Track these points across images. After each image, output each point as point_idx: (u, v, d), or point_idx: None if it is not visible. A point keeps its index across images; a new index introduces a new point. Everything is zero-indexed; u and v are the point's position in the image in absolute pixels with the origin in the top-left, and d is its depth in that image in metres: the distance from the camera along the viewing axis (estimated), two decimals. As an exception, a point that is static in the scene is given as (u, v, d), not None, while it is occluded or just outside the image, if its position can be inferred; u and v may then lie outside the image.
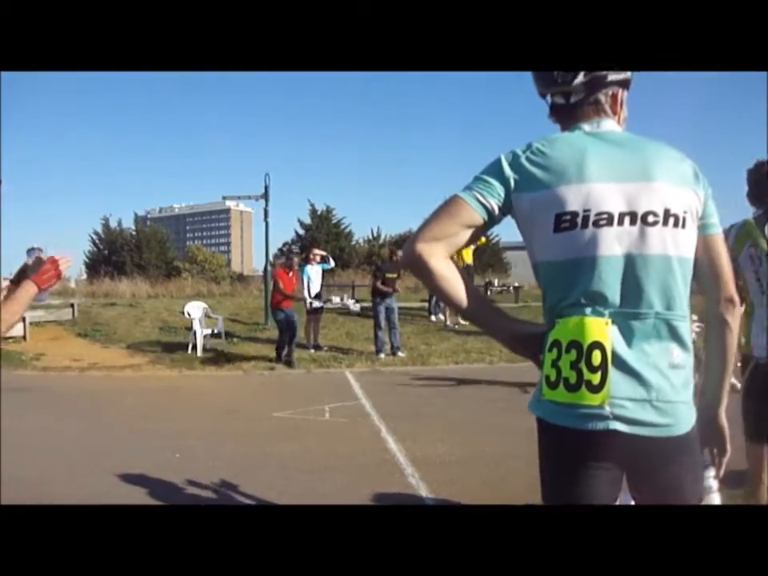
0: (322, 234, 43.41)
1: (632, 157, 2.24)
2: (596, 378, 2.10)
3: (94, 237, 46.11)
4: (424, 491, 6.35)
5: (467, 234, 2.27)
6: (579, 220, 2.15)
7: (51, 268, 3.51)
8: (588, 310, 2.15)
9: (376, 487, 6.40)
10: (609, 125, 2.35)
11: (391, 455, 7.67)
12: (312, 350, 16.17)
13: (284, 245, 45.17)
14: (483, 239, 21.19)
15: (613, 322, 2.14)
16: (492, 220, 2.27)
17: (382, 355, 15.47)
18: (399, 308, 16.45)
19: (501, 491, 6.13)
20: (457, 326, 18.99)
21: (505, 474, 6.70)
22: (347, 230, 46.29)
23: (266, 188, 21.33)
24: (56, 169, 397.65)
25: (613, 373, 2.10)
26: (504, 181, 2.24)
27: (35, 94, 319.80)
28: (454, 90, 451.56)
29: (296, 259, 16.76)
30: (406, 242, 2.32)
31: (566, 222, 2.16)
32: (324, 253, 17.65)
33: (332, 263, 17.79)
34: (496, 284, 28.69)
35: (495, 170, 2.27)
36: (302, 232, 45.49)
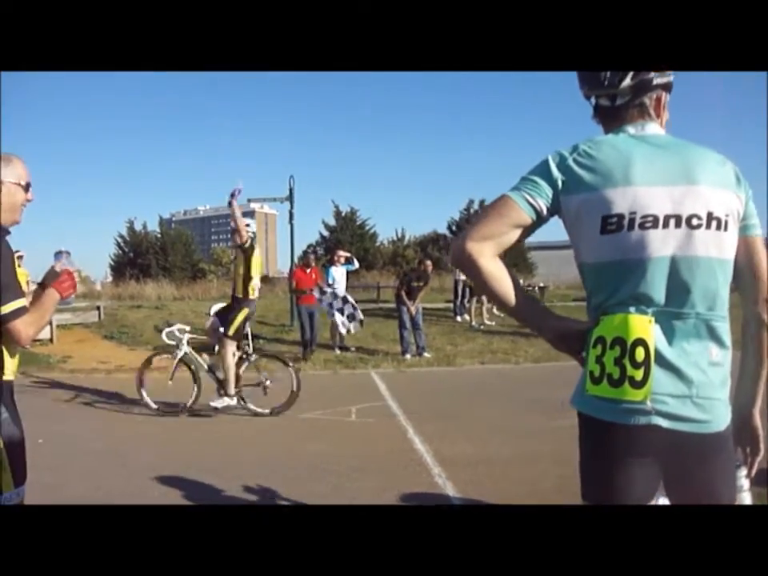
0: (346, 235, 43.47)
1: (676, 160, 2.28)
2: (639, 375, 2.14)
3: (119, 239, 46.37)
4: (451, 491, 6.34)
5: (516, 233, 2.31)
6: (625, 222, 2.20)
7: (68, 278, 3.60)
8: (632, 309, 2.19)
9: (403, 487, 6.40)
10: (653, 128, 2.39)
11: (418, 456, 7.66)
12: (338, 351, 16.24)
13: (308, 246, 45.21)
14: None
15: (656, 321, 2.17)
16: (540, 220, 2.32)
17: (408, 356, 15.47)
18: (424, 309, 16.42)
19: (529, 491, 6.12)
20: (482, 327, 19.00)
21: (532, 475, 6.68)
22: (371, 231, 46.33)
23: (291, 190, 21.38)
24: (81, 172, 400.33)
25: (655, 369, 2.14)
26: (552, 182, 2.29)
27: (59, 96, 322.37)
28: (480, 93, 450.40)
29: (312, 256, 17.08)
30: (454, 240, 2.37)
31: (613, 224, 2.21)
32: (348, 254, 17.68)
33: (356, 264, 17.81)
34: (521, 284, 28.62)
35: (543, 171, 2.32)
36: (326, 233, 45.57)
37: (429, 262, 17.37)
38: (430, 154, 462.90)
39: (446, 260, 22.00)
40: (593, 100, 2.48)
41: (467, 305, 20.20)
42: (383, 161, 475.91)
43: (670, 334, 2.18)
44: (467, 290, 20.09)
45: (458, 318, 20.50)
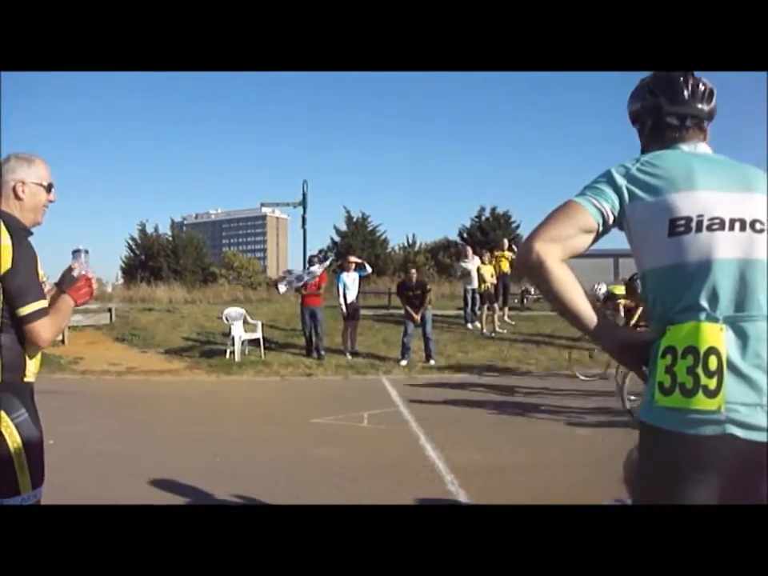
0: (357, 240, 43.51)
1: (732, 170, 2.36)
2: (712, 383, 2.12)
3: (131, 242, 46.50)
4: (463, 498, 6.34)
5: (583, 238, 2.35)
6: (693, 224, 2.23)
7: (85, 285, 3.62)
8: (702, 316, 2.18)
9: (415, 494, 6.39)
10: (704, 147, 2.49)
11: (430, 462, 7.66)
12: (349, 357, 16.27)
13: (320, 251, 45.32)
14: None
15: (726, 327, 2.16)
16: (605, 227, 2.36)
17: (404, 362, 15.53)
18: (435, 316, 16.39)
19: (541, 499, 6.11)
20: (494, 334, 18.96)
21: (544, 482, 6.69)
22: (383, 237, 46.40)
23: (304, 195, 21.48)
24: (92, 174, 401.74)
25: (727, 377, 2.11)
26: (617, 189, 2.33)
27: (69, 98, 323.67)
28: (493, 99, 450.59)
29: (315, 260, 17.28)
30: (522, 243, 2.38)
31: (681, 226, 2.24)
32: (359, 260, 17.68)
33: (369, 269, 17.80)
34: (533, 292, 28.58)
35: (608, 179, 2.37)
36: (337, 239, 45.64)
37: (413, 270, 17.43)
38: (441, 160, 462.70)
39: (457, 268, 21.98)
40: (664, 117, 2.52)
41: (478, 312, 20.18)
42: (395, 166, 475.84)
43: (740, 340, 2.15)
44: (478, 297, 20.08)
45: (469, 326, 20.45)
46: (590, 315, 2.38)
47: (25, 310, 3.30)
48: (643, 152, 2.55)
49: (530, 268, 2.31)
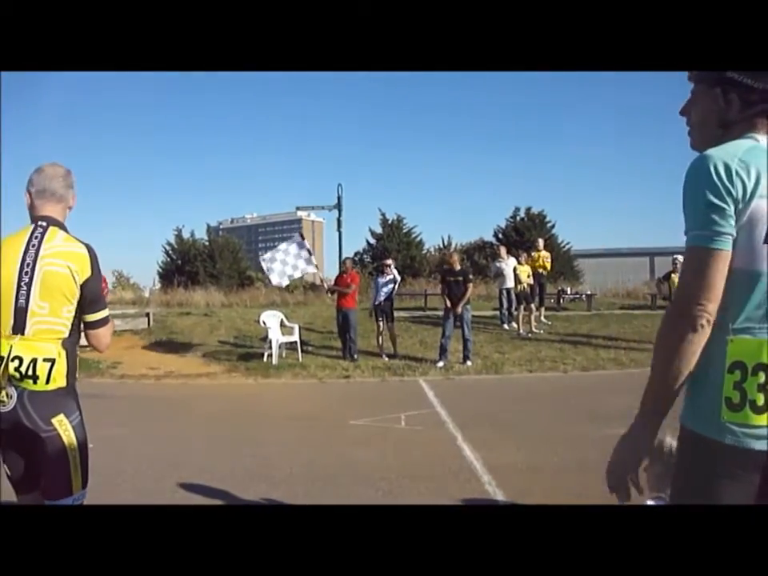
0: (393, 243, 43.38)
1: None
2: None
3: (167, 247, 46.68)
4: (501, 498, 6.37)
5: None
6: None
7: (104, 287, 3.89)
8: None
9: (453, 495, 6.43)
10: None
11: (468, 463, 7.69)
12: (386, 358, 16.29)
13: (356, 254, 45.32)
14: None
15: None
16: None
17: (441, 363, 15.40)
18: (472, 316, 16.34)
19: (578, 500, 6.10)
20: (530, 335, 18.92)
21: (581, 483, 6.65)
22: (418, 239, 46.25)
23: (339, 198, 21.57)
24: (128, 180, 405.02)
25: None
26: (733, 198, 2.16)
27: (108, 106, 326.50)
28: (530, 95, 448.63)
29: (349, 261, 17.78)
30: (681, 306, 2.22)
31: None
32: (390, 263, 17.53)
33: (398, 277, 17.59)
34: (569, 292, 28.50)
35: (720, 190, 2.16)
36: (373, 241, 45.55)
37: (453, 254, 17.47)
38: (476, 160, 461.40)
39: (492, 268, 21.96)
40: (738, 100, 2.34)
41: (515, 313, 20.14)
42: (430, 167, 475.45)
43: None
44: (514, 297, 20.05)
45: (505, 326, 20.41)
46: (669, 401, 2.27)
47: (96, 317, 3.60)
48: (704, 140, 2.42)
49: (690, 335, 2.16)
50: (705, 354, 2.19)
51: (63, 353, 3.44)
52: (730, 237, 2.15)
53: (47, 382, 3.40)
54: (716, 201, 2.15)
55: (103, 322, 3.62)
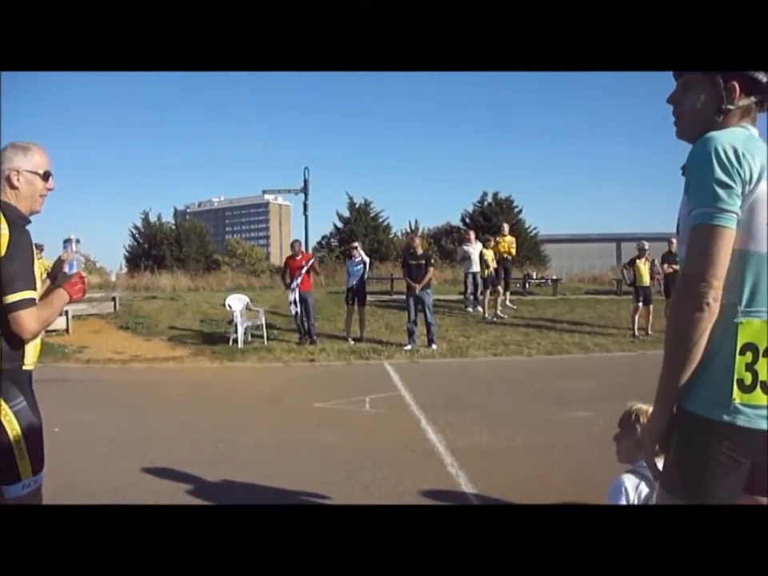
0: (360, 227, 43.28)
1: None
2: None
3: (134, 231, 46.26)
4: (463, 481, 6.41)
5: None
6: None
7: (79, 281, 3.68)
8: None
9: (416, 477, 6.49)
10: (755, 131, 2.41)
11: (431, 445, 7.75)
12: (351, 342, 16.35)
13: (323, 238, 45.26)
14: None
15: None
16: None
17: (409, 347, 15.55)
18: (436, 300, 16.40)
19: (539, 482, 6.20)
20: (496, 319, 19.01)
21: (544, 465, 6.76)
22: (385, 223, 46.16)
23: (306, 182, 21.48)
24: (95, 163, 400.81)
25: None
26: (741, 179, 2.20)
27: (71, 84, 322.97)
28: (494, 87, 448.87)
29: (297, 245, 17.37)
30: (687, 284, 2.24)
31: None
32: (357, 245, 17.45)
33: (366, 261, 17.45)
34: (534, 276, 28.63)
35: (729, 169, 2.20)
36: (340, 225, 45.44)
37: (416, 238, 17.48)
38: (444, 145, 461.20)
39: (458, 252, 21.96)
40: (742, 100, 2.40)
41: (480, 297, 20.22)
42: (397, 153, 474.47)
43: None
44: (480, 281, 20.12)
45: (470, 310, 20.51)
46: (682, 379, 2.27)
47: (12, 298, 3.29)
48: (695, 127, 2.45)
49: (701, 316, 2.18)
50: (712, 338, 2.22)
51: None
52: (735, 216, 2.18)
53: None
54: (725, 178, 2.18)
55: (24, 304, 3.31)
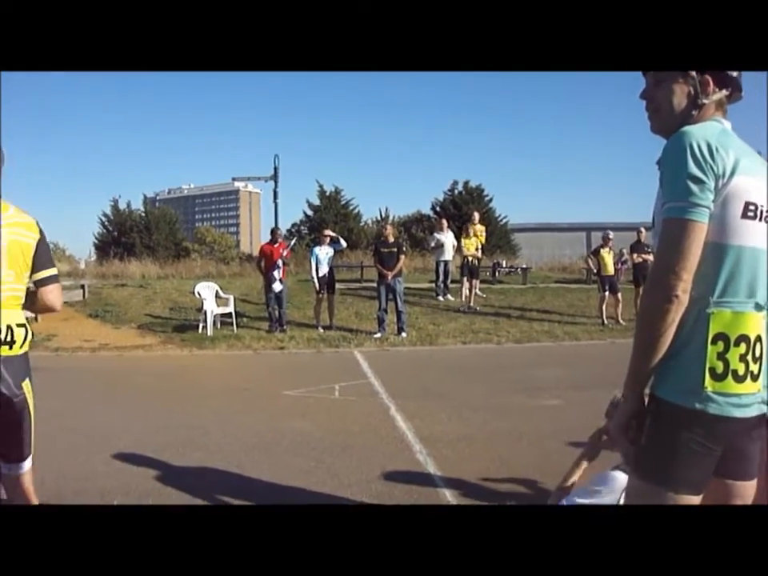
0: (330, 214, 43.17)
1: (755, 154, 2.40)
2: (756, 368, 2.29)
3: (103, 218, 45.89)
4: (432, 468, 6.45)
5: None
6: (758, 212, 2.31)
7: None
8: (751, 305, 2.31)
9: (386, 464, 6.52)
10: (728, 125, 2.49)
11: (400, 433, 7.78)
12: (321, 330, 16.35)
13: (293, 226, 45.09)
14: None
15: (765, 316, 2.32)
16: None
17: (378, 335, 15.60)
18: (406, 288, 16.44)
19: (507, 469, 6.25)
20: (468, 309, 19.05)
21: (512, 452, 6.81)
22: (355, 210, 46.10)
23: (276, 169, 21.41)
24: (63, 150, 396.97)
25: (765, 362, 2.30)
26: (715, 173, 2.25)
27: (40, 73, 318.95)
28: (466, 75, 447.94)
29: (278, 233, 17.32)
30: (657, 276, 2.29)
31: (751, 211, 2.30)
32: (334, 234, 17.54)
33: (344, 244, 17.51)
34: (504, 265, 28.76)
35: (702, 164, 2.24)
36: (310, 213, 45.32)
37: (388, 226, 17.68)
38: (415, 133, 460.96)
39: (430, 240, 21.99)
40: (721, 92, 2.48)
41: (450, 285, 20.27)
42: (368, 140, 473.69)
43: None
44: (451, 270, 20.18)
45: (441, 298, 20.56)
46: (650, 366, 2.32)
47: (51, 272, 3.79)
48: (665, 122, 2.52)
49: (671, 309, 2.23)
50: (684, 328, 2.29)
51: (25, 318, 3.54)
52: (707, 210, 2.23)
53: (21, 346, 3.64)
54: (698, 173, 2.23)
55: (56, 278, 3.76)
